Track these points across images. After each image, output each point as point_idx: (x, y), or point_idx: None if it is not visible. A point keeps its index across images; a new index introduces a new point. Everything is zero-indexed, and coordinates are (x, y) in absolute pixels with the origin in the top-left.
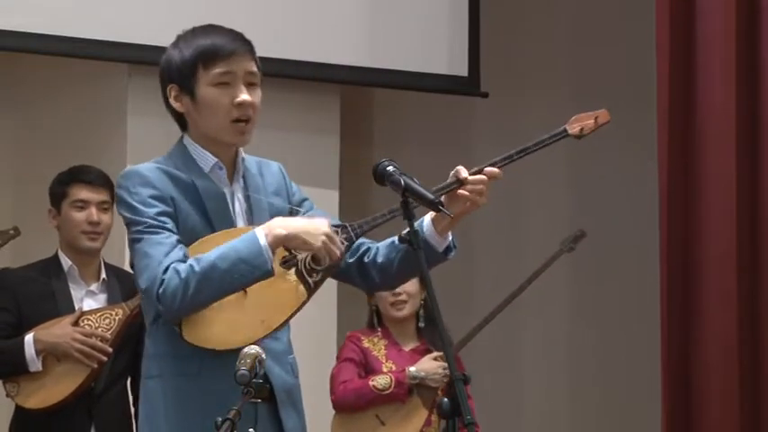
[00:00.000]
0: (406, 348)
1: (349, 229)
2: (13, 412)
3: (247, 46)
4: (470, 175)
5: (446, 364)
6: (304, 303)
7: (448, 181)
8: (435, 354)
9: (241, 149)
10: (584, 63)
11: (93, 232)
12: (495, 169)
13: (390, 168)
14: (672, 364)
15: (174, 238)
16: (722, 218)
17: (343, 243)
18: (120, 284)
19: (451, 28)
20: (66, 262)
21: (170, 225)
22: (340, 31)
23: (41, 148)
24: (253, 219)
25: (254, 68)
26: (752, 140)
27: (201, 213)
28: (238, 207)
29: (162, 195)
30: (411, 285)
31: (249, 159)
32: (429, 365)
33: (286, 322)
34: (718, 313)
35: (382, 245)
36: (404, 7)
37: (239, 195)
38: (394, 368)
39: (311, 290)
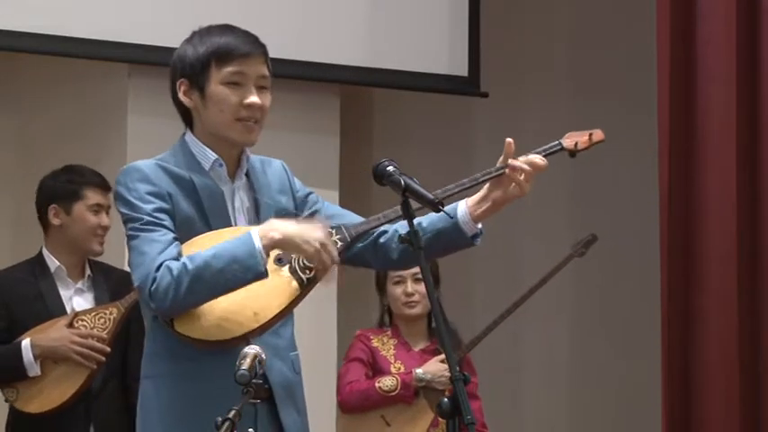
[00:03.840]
0: (416, 348)
1: (344, 230)
2: (8, 413)
3: (262, 49)
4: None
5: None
6: (298, 298)
7: (495, 167)
8: (443, 356)
9: (247, 149)
10: (584, 63)
11: (103, 236)
12: (539, 157)
13: (390, 168)
14: (672, 364)
15: (171, 235)
16: (722, 218)
17: (337, 244)
18: (107, 281)
19: (451, 28)
20: (53, 262)
21: (167, 222)
22: (340, 31)
23: (41, 148)
24: (259, 217)
25: (266, 72)
26: (752, 140)
27: (199, 211)
28: (239, 204)
29: (159, 192)
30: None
31: (253, 158)
32: (435, 368)
33: (280, 316)
34: (718, 313)
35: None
36: (404, 7)
37: (241, 193)
38: (402, 369)
39: (304, 286)
